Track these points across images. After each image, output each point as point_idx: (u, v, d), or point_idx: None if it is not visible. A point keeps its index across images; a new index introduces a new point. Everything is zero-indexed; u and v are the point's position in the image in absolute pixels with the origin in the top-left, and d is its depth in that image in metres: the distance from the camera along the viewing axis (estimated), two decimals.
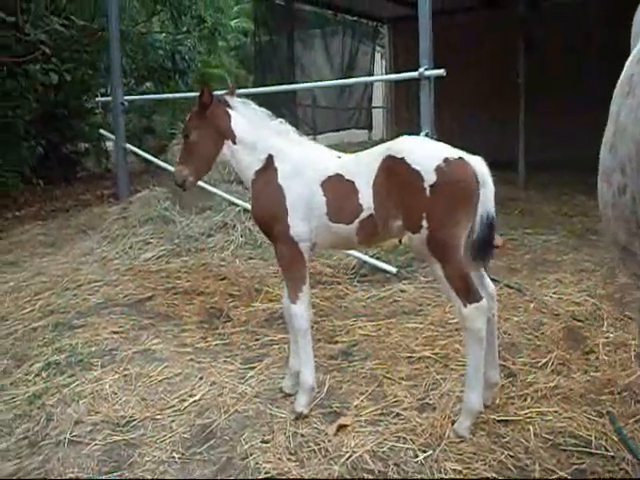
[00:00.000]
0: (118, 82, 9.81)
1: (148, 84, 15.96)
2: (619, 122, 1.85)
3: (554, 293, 5.48)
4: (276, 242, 3.77)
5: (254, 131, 3.83)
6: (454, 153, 3.36)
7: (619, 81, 2.00)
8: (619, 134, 1.83)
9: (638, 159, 1.65)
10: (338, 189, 3.58)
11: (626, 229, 1.78)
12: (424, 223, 3.28)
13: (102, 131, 11.96)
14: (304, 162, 3.72)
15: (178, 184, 4.02)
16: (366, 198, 3.49)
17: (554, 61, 13.28)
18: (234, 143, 3.85)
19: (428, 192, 3.25)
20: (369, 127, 19.42)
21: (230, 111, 3.88)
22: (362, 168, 3.55)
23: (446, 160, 3.29)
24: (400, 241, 3.81)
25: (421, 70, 6.36)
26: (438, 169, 3.26)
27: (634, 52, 1.98)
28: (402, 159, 3.36)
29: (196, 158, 3.93)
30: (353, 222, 3.54)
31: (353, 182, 3.54)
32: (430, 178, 3.25)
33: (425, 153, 3.38)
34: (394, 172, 3.38)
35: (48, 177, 12.63)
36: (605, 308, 5.09)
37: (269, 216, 3.72)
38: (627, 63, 2.01)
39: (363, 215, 3.51)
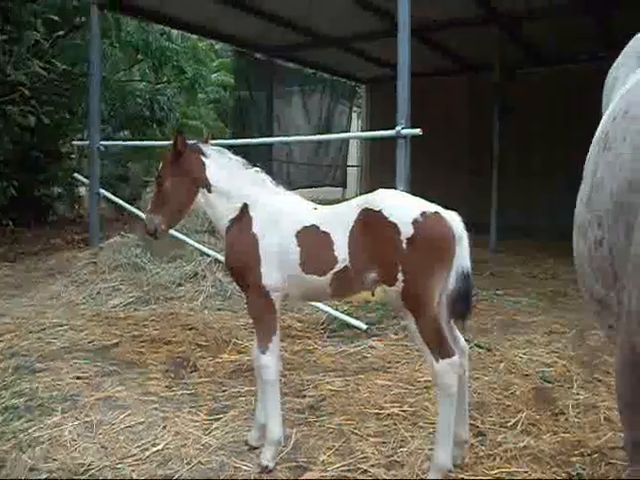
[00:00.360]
0: (96, 127, 9.84)
1: (125, 132, 16.00)
2: (595, 177, 1.88)
3: (524, 354, 5.48)
4: (248, 291, 3.73)
5: (229, 179, 3.82)
6: (431, 207, 3.38)
7: (594, 140, 2.04)
8: (595, 188, 1.86)
9: (615, 213, 1.67)
10: (313, 240, 3.56)
11: (603, 282, 1.79)
12: (399, 276, 3.27)
13: (77, 175, 11.91)
14: (279, 212, 3.70)
15: (149, 232, 3.97)
16: (341, 250, 3.47)
17: (528, 127, 13.59)
18: (209, 191, 3.83)
19: (404, 245, 3.25)
20: (343, 185, 19.56)
21: (205, 159, 3.87)
22: (338, 220, 3.54)
23: (423, 214, 3.30)
24: (373, 294, 3.78)
25: (398, 129, 6.44)
26: (415, 222, 3.26)
27: (608, 111, 2.02)
28: (379, 212, 3.35)
29: (169, 206, 3.90)
30: (327, 274, 3.51)
31: (328, 233, 3.52)
32: (407, 231, 3.25)
33: (402, 206, 3.39)
34: (371, 224, 3.38)
35: (18, 219, 12.49)
36: (575, 370, 5.09)
37: (242, 265, 3.69)
38: (602, 122, 2.05)
39: (337, 267, 3.48)
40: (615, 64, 2.43)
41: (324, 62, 15.74)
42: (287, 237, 3.60)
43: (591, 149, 2.05)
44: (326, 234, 3.53)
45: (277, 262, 3.60)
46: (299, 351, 5.72)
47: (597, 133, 2.00)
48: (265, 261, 3.61)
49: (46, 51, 11.41)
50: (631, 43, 2.36)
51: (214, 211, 3.87)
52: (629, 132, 1.69)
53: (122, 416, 4.23)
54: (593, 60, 12.12)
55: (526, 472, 3.52)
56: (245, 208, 3.76)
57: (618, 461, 3.61)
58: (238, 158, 3.94)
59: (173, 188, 3.84)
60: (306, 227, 3.60)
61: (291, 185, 16.72)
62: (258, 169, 3.93)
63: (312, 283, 3.58)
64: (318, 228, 3.57)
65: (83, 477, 3.49)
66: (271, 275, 3.61)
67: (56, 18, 11.55)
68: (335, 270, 3.49)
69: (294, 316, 6.64)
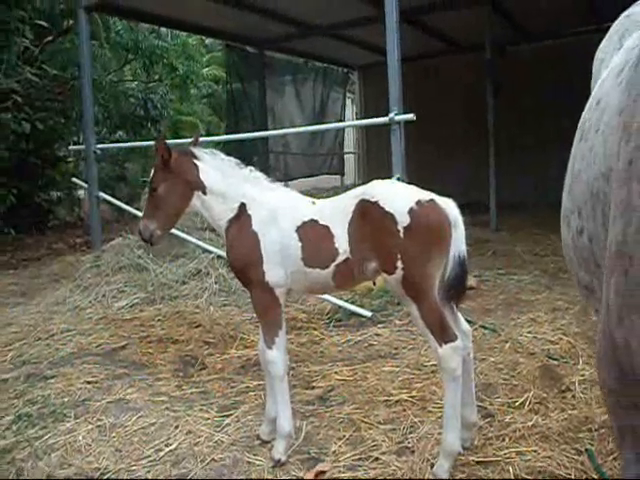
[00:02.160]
0: (90, 130, 9.83)
1: (121, 132, 16.01)
2: (574, 167, 1.91)
3: (529, 332, 5.51)
4: (252, 288, 3.76)
5: (224, 180, 3.84)
6: (426, 196, 3.42)
7: (578, 126, 2.06)
8: (574, 178, 1.89)
9: (592, 202, 1.70)
10: (313, 234, 3.60)
11: (586, 269, 1.82)
12: (399, 264, 3.31)
13: (75, 179, 11.94)
14: (278, 208, 3.74)
15: (145, 239, 4.00)
16: (342, 242, 3.52)
17: (523, 103, 13.58)
18: (204, 194, 3.85)
19: (402, 234, 3.29)
20: (341, 172, 19.54)
21: (197, 162, 3.88)
22: (336, 213, 3.58)
23: (418, 202, 3.34)
24: (374, 283, 3.83)
25: (391, 115, 6.46)
26: (411, 211, 3.30)
27: (589, 99, 2.04)
28: (376, 203, 3.40)
29: (163, 211, 3.91)
30: (329, 266, 3.56)
31: (328, 227, 3.57)
32: (404, 220, 3.30)
33: (398, 196, 3.43)
34: (368, 216, 3.42)
35: (20, 226, 12.55)
36: (580, 346, 5.12)
37: (244, 263, 3.72)
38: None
39: (339, 259, 3.53)
40: (601, 45, 2.44)
41: (315, 51, 15.70)
42: (287, 233, 3.64)
43: (575, 135, 2.07)
44: (326, 227, 3.57)
45: (279, 258, 3.64)
46: (305, 342, 5.76)
47: (580, 119, 2.03)
48: (267, 258, 3.65)
49: (36, 57, 11.45)
50: (615, 22, 2.36)
51: (211, 213, 3.89)
52: (601, 123, 1.71)
53: (134, 418, 4.27)
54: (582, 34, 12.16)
55: (535, 451, 3.56)
56: (243, 207, 3.79)
57: None
58: (231, 158, 3.96)
59: (166, 193, 3.86)
60: (305, 222, 3.64)
61: (289, 176, 16.77)
62: (252, 168, 3.95)
63: (315, 276, 3.63)
64: (317, 222, 3.61)
65: None
66: (274, 271, 3.65)
67: (44, 23, 11.57)
68: (337, 262, 3.54)
69: (299, 308, 6.67)
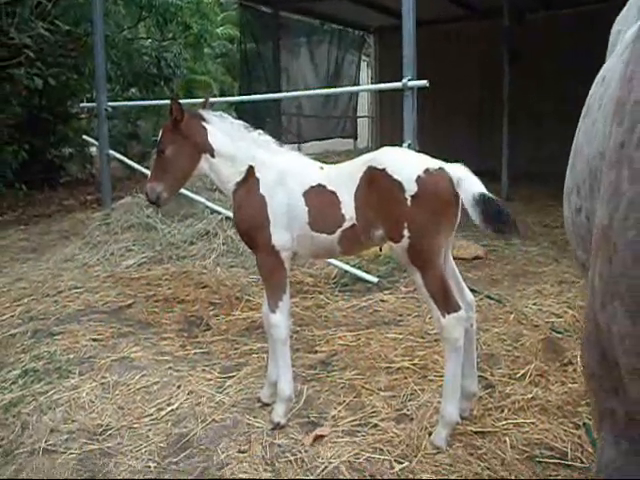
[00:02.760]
0: (102, 88, 9.78)
1: (133, 90, 15.93)
2: (577, 143, 1.88)
3: (534, 304, 5.51)
4: (257, 251, 3.77)
5: (233, 143, 3.83)
6: (434, 164, 3.39)
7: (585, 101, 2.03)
8: (576, 155, 1.86)
9: (590, 180, 1.68)
10: (320, 199, 3.60)
11: (583, 247, 1.80)
12: (405, 232, 3.31)
13: (86, 137, 11.92)
14: (286, 172, 3.73)
15: (152, 201, 3.99)
16: (348, 208, 3.52)
17: (539, 71, 13.39)
18: (212, 156, 3.84)
19: (409, 202, 3.28)
20: (354, 136, 19.45)
21: (206, 125, 3.86)
22: (344, 179, 3.58)
23: (427, 171, 3.32)
24: (381, 249, 3.84)
25: (404, 81, 6.38)
26: (419, 180, 3.29)
27: (599, 74, 2.00)
28: (383, 170, 3.38)
29: (171, 173, 3.90)
30: (335, 232, 3.56)
31: (335, 192, 3.57)
32: (411, 188, 3.28)
33: (406, 164, 3.41)
34: (376, 183, 3.41)
35: (31, 182, 12.55)
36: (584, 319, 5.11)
37: (251, 225, 3.72)
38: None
39: (345, 225, 3.53)
40: (619, 16, 2.37)
41: (331, 13, 15.49)
42: (295, 197, 3.64)
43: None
44: (333, 193, 3.57)
45: (286, 222, 3.65)
46: (310, 306, 5.78)
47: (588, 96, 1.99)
48: (274, 221, 3.65)
49: (49, 12, 11.29)
50: None
51: (219, 176, 3.88)
52: (604, 99, 1.67)
53: (137, 377, 4.32)
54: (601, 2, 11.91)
55: (533, 423, 3.58)
56: (251, 170, 3.78)
57: None
58: (240, 122, 3.94)
59: (174, 156, 3.84)
60: (313, 187, 3.64)
61: (302, 138, 16.73)
62: (261, 131, 3.93)
63: (321, 241, 3.64)
64: (325, 187, 3.61)
65: (102, 437, 3.60)
66: (280, 235, 3.65)
67: None
68: (343, 228, 3.54)
69: (305, 271, 6.68)
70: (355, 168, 3.57)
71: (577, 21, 12.97)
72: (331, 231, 3.57)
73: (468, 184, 3.28)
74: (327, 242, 3.63)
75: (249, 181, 3.77)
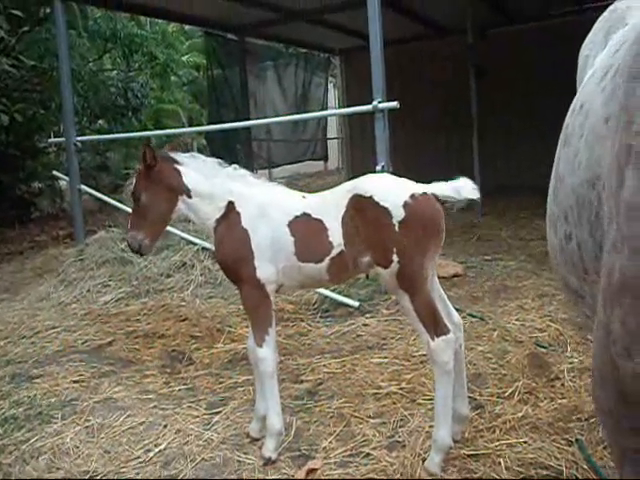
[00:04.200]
0: (70, 122, 9.66)
1: (101, 122, 15.85)
2: (558, 172, 1.89)
3: (517, 320, 5.51)
4: (242, 285, 3.72)
5: (208, 181, 3.80)
6: (418, 188, 3.44)
7: (562, 129, 2.03)
8: (559, 183, 1.86)
9: (578, 209, 1.68)
10: (306, 228, 3.59)
11: (575, 274, 1.80)
12: (394, 257, 3.32)
13: (56, 172, 11.80)
14: (267, 204, 3.71)
15: (134, 250, 3.97)
16: (336, 236, 3.51)
17: (505, 87, 13.53)
18: (189, 197, 3.81)
19: (397, 228, 3.32)
20: (325, 158, 19.49)
21: (179, 167, 3.83)
22: (329, 207, 3.58)
23: (412, 196, 3.36)
24: (367, 276, 3.84)
25: (374, 103, 6.42)
26: (406, 205, 3.32)
27: (574, 101, 2.00)
28: (370, 197, 3.40)
29: (149, 220, 3.86)
30: (324, 260, 3.55)
31: (321, 220, 3.56)
32: (399, 214, 3.31)
33: (392, 191, 3.44)
34: (362, 210, 3.43)
35: (1, 219, 12.40)
36: (567, 333, 5.13)
37: (235, 260, 3.68)
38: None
39: (334, 252, 3.52)
40: (586, 40, 2.40)
41: (296, 37, 15.54)
42: (279, 228, 3.62)
43: (560, 138, 2.04)
44: (319, 221, 3.57)
45: (270, 254, 3.62)
46: (293, 335, 5.73)
47: (564, 122, 1.99)
48: (258, 254, 3.61)
49: (12, 47, 11.23)
50: (600, 17, 2.32)
51: (198, 214, 3.84)
52: (584, 129, 1.68)
53: (122, 418, 4.23)
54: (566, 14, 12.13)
55: (526, 442, 3.56)
56: (231, 205, 3.75)
57: None
58: (212, 159, 3.93)
59: (150, 202, 3.81)
60: (298, 216, 3.63)
61: (273, 162, 16.72)
62: (236, 165, 3.91)
63: (309, 271, 3.62)
64: (310, 216, 3.60)
65: None
66: (265, 268, 3.62)
67: (19, 13, 11.36)
68: (331, 256, 3.53)
69: (286, 298, 6.63)
70: (339, 195, 3.58)
71: (541, 35, 13.13)
72: (319, 260, 3.56)
73: (464, 187, 3.45)
74: (315, 271, 3.60)
75: (230, 216, 3.73)
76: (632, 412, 1.32)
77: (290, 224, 3.61)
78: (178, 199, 3.82)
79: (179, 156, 3.89)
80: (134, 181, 3.90)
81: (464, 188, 3.44)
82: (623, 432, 1.37)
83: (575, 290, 1.85)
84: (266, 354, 3.63)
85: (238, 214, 3.70)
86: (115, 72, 15.78)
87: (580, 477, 3.26)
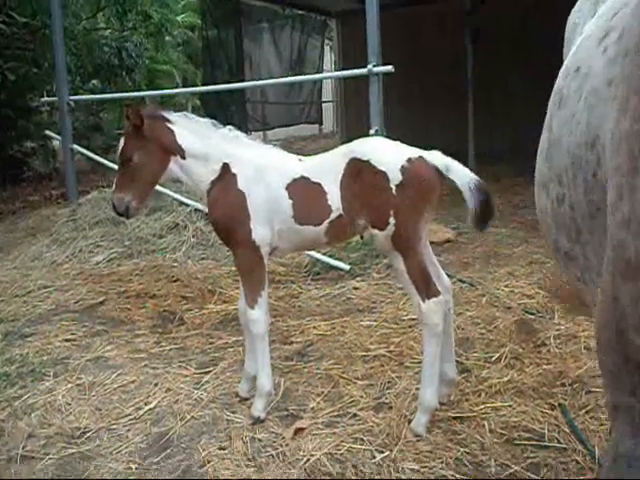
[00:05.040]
0: (63, 81, 9.57)
1: (94, 82, 15.70)
2: (552, 133, 1.89)
3: (506, 286, 5.56)
4: (236, 247, 3.72)
5: (203, 142, 3.75)
6: (415, 152, 3.47)
7: (552, 92, 2.03)
8: (554, 145, 1.87)
9: (574, 170, 1.69)
10: (305, 192, 3.60)
11: (567, 236, 1.82)
12: (391, 220, 3.37)
13: (48, 132, 11.72)
14: (264, 166, 3.69)
15: (120, 212, 3.87)
16: (334, 199, 3.53)
17: (501, 52, 13.43)
18: (183, 158, 3.75)
19: (394, 191, 3.35)
20: (319, 121, 19.43)
21: (171, 126, 3.76)
22: (327, 170, 3.59)
23: (409, 160, 3.40)
24: (362, 237, 3.87)
25: (369, 67, 6.38)
26: (403, 169, 3.36)
27: (565, 65, 2.01)
28: (367, 161, 3.43)
29: (139, 181, 3.78)
30: (322, 223, 3.57)
31: (320, 184, 3.57)
32: (396, 177, 3.35)
33: (389, 154, 3.47)
34: (360, 174, 3.45)
35: None
36: (555, 300, 5.18)
37: (230, 222, 3.66)
38: (559, 74, 2.04)
39: (332, 216, 3.55)
40: (574, 9, 2.40)
41: None
42: (276, 191, 3.62)
43: (550, 100, 2.04)
44: (318, 184, 3.58)
45: (266, 216, 3.62)
46: (284, 296, 5.78)
47: (555, 86, 2.00)
48: (254, 216, 3.61)
49: (3, 3, 11.07)
50: None
51: (192, 177, 3.79)
52: (583, 91, 1.69)
53: (113, 376, 4.29)
54: None
55: (510, 406, 3.63)
56: (226, 167, 3.71)
57: (598, 389, 3.72)
58: (206, 120, 3.86)
59: (141, 162, 3.72)
60: (296, 179, 3.63)
61: (268, 125, 16.65)
62: (231, 127, 3.88)
63: (307, 234, 3.64)
64: (308, 179, 3.61)
65: (80, 440, 3.56)
66: (261, 230, 3.62)
67: None
68: (330, 219, 3.56)
69: (277, 261, 6.65)
70: (337, 159, 3.59)
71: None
72: (318, 223, 3.58)
73: (460, 171, 3.40)
74: (313, 234, 3.63)
75: (225, 178, 3.70)
76: (633, 376, 1.35)
77: (288, 187, 3.61)
78: (170, 160, 3.76)
79: (171, 115, 3.82)
80: (122, 141, 3.77)
81: (455, 170, 3.40)
82: (623, 391, 1.40)
83: (566, 252, 1.87)
84: (258, 316, 3.66)
85: (234, 176, 3.68)
86: (109, 31, 15.59)
87: (561, 440, 3.33)
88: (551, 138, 1.90)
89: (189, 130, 3.78)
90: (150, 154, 3.73)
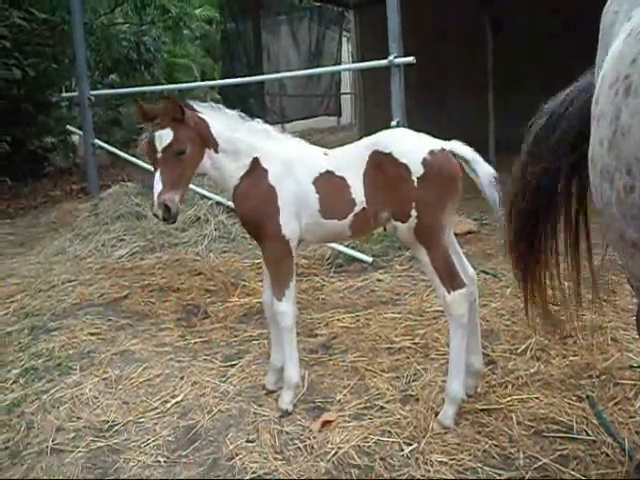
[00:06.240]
0: (83, 76, 9.61)
1: (113, 76, 15.76)
2: (620, 123, 1.84)
3: None
4: (265, 241, 3.68)
5: (234, 135, 3.66)
6: (437, 144, 3.45)
7: (603, 79, 1.99)
8: (621, 134, 1.83)
9: None
10: (330, 186, 3.59)
11: (635, 226, 1.79)
12: (413, 212, 3.36)
13: (69, 126, 11.79)
14: (293, 161, 3.66)
15: (171, 217, 3.50)
16: (358, 193, 3.53)
17: (522, 40, 13.29)
18: (216, 152, 3.64)
19: (416, 184, 3.34)
20: (338, 113, 19.38)
21: (204, 117, 3.65)
22: (350, 163, 3.58)
23: (431, 152, 3.38)
24: (385, 229, 3.87)
25: (390, 58, 6.35)
26: (424, 162, 3.35)
27: (617, 51, 1.96)
28: (389, 154, 3.42)
29: (186, 176, 3.58)
30: (347, 217, 3.57)
31: (344, 178, 3.56)
32: (418, 170, 3.34)
33: (411, 147, 3.45)
34: (382, 166, 3.44)
35: (15, 174, 12.42)
36: (582, 291, 5.12)
37: (260, 216, 3.62)
38: (611, 61, 1.99)
39: (357, 209, 3.55)
40: None
41: None
42: (304, 185, 3.60)
43: (603, 89, 1.99)
44: (342, 179, 3.57)
45: (295, 211, 3.60)
46: (307, 289, 5.77)
47: (608, 72, 1.95)
48: (284, 210, 3.59)
49: (23, 0, 11.12)
50: None
51: (221, 172, 3.68)
52: None
53: (139, 370, 4.31)
54: None
55: (537, 398, 3.60)
56: (256, 162, 3.65)
57: (626, 381, 3.69)
58: (233, 112, 3.78)
59: (192, 154, 3.53)
60: (322, 174, 3.62)
61: (286, 117, 16.63)
62: (259, 120, 3.82)
63: (332, 227, 3.64)
64: (333, 173, 3.60)
65: (108, 434, 3.59)
66: (290, 224, 3.61)
67: None
68: (354, 212, 3.56)
69: (300, 253, 6.64)
70: (360, 152, 3.58)
71: None
72: (342, 216, 3.58)
73: (481, 166, 3.41)
74: (338, 228, 3.63)
75: (255, 173, 3.64)
76: None
77: (315, 181, 3.60)
78: (205, 153, 3.65)
79: (199, 106, 3.69)
80: (167, 133, 3.42)
81: (476, 162, 3.42)
82: None
83: (634, 242, 1.85)
84: (286, 308, 3.67)
85: (264, 171, 3.62)
86: (127, 26, 15.63)
87: (590, 432, 3.31)
88: (618, 128, 1.86)
89: (219, 122, 3.68)
90: (196, 146, 3.56)
